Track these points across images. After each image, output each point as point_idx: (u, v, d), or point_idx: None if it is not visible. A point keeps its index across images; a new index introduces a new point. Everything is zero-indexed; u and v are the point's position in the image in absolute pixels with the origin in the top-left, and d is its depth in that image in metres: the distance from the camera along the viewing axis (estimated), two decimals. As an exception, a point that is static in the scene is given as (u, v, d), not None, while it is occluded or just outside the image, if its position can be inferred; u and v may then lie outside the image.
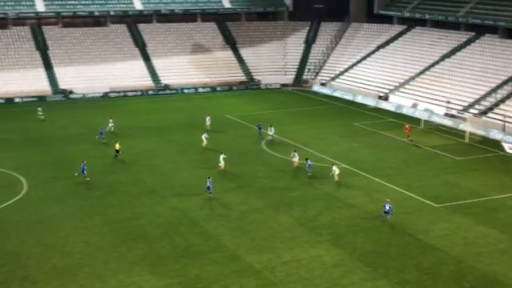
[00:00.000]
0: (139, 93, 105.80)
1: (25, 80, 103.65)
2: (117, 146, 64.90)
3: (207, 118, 78.63)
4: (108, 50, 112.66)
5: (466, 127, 75.51)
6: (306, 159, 59.30)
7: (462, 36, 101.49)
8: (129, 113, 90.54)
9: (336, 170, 56.61)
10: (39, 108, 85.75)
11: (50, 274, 38.93)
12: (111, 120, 78.03)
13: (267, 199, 52.44)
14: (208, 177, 53.23)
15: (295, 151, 62.17)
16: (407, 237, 44.68)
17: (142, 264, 40.31)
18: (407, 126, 74.90)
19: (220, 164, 60.26)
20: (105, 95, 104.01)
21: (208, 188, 52.69)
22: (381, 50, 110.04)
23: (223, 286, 37.43)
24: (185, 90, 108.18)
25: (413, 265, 40.10)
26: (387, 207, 46.79)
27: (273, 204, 51.18)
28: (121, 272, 39.20)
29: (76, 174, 57.99)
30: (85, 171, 57.49)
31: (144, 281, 38.00)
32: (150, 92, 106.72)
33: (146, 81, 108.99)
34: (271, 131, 72.30)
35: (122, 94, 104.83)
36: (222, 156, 60.38)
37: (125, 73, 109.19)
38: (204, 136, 69.32)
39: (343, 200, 52.41)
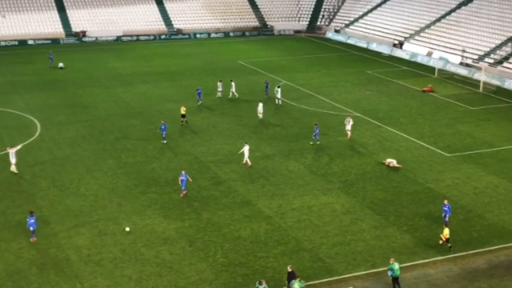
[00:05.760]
0: (151, 37, 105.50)
1: (39, 22, 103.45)
2: (183, 110, 57.84)
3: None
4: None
5: (481, 76, 74.91)
6: (315, 124, 54.00)
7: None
8: (141, 57, 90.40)
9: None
10: (51, 54, 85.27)
11: (64, 215, 39.59)
12: (219, 84, 67.89)
13: (279, 146, 52.62)
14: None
15: (349, 116, 55.79)
16: (418, 186, 44.89)
17: (155, 208, 40.86)
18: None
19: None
20: (118, 39, 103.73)
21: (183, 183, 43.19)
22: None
23: (234, 230, 37.96)
24: (198, 35, 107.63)
25: (424, 214, 40.40)
26: (446, 208, 38.66)
27: (284, 152, 51.39)
28: (134, 215, 39.78)
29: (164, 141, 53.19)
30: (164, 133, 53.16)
31: (156, 224, 38.60)
32: (163, 37, 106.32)
33: (159, 26, 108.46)
34: (278, 93, 64.87)
35: (134, 38, 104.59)
36: (260, 106, 59.92)
37: (138, 17, 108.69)
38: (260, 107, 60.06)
39: (354, 148, 52.52)
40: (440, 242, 35.86)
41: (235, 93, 67.50)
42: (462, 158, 50.41)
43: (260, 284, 30.03)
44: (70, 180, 45.02)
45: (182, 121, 57.58)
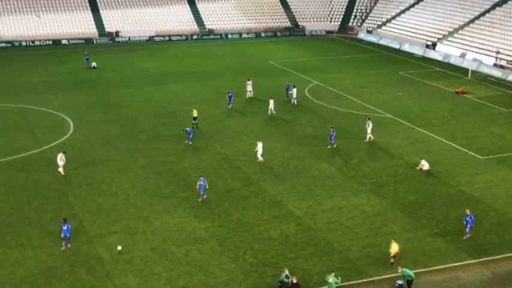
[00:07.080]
0: (183, 37, 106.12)
1: (73, 22, 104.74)
2: (195, 113, 57.38)
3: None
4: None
5: (515, 78, 73.91)
6: (331, 128, 52.94)
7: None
8: (173, 57, 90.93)
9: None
10: (86, 55, 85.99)
11: (96, 213, 39.99)
12: (249, 83, 68.04)
13: (309, 147, 52.50)
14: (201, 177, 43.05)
15: (369, 119, 54.93)
16: (450, 188, 44.40)
17: (185, 207, 41.05)
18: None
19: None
20: (151, 39, 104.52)
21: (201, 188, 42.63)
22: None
23: (263, 231, 37.95)
24: (229, 36, 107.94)
25: (455, 217, 39.94)
26: (468, 219, 37.31)
27: (314, 152, 51.24)
28: (165, 214, 40.02)
29: (188, 141, 53.13)
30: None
31: (186, 223, 38.78)
32: (195, 37, 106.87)
33: (191, 26, 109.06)
34: (294, 94, 64.81)
35: (166, 38, 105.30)
36: (271, 103, 61.08)
37: (170, 17, 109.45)
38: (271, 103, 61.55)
39: (386, 150, 52.15)
40: (392, 260, 34.11)
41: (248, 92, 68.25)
42: (495, 160, 49.75)
43: (287, 277, 30.56)
44: (102, 179, 45.47)
45: (193, 123, 57.12)
